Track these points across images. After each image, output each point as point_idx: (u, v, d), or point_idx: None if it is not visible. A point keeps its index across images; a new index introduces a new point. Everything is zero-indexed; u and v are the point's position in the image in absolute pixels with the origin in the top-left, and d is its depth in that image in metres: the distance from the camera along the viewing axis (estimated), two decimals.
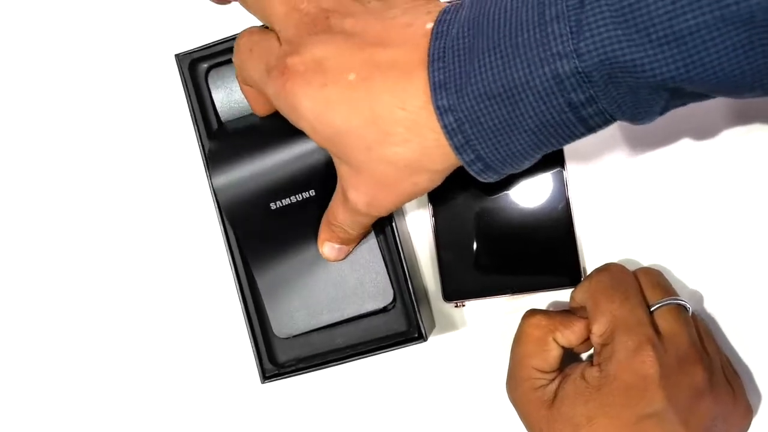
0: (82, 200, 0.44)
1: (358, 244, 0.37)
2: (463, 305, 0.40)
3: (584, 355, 0.38)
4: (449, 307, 0.40)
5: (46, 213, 0.44)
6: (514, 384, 0.36)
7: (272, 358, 0.39)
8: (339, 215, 0.34)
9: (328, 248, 0.37)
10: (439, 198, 0.39)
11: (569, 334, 0.35)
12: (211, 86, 0.39)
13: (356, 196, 0.32)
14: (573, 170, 0.39)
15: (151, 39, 0.43)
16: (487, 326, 0.40)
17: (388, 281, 0.37)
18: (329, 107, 0.29)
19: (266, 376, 0.39)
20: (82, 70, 0.44)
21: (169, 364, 0.44)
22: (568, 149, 0.39)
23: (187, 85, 0.39)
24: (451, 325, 0.41)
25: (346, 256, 0.37)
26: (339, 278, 0.38)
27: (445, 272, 0.39)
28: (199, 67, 0.39)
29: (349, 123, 0.29)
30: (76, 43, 0.44)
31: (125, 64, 0.44)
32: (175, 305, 0.44)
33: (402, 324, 0.38)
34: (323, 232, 0.36)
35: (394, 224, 0.38)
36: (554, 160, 0.38)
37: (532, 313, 0.36)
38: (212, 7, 0.38)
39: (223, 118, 0.39)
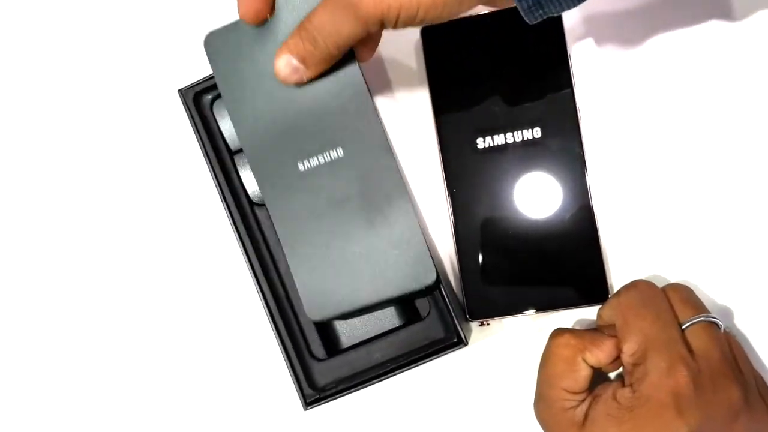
0: (110, 238, 0.43)
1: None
2: (488, 324, 0.39)
3: (612, 374, 0.37)
4: (473, 326, 0.40)
5: (81, 249, 0.43)
6: (544, 405, 0.35)
7: (311, 383, 0.38)
8: (318, 14, 0.30)
9: (284, 62, 0.31)
10: (460, 216, 0.39)
11: (599, 354, 0.34)
12: (217, 116, 0.39)
13: None
14: (597, 185, 0.38)
15: (150, 77, 0.43)
16: (512, 345, 0.40)
17: (430, 259, 0.33)
18: None
19: (308, 402, 0.38)
20: (89, 111, 0.43)
21: (204, 398, 0.42)
22: (592, 163, 0.38)
23: (193, 118, 0.38)
24: (475, 344, 0.40)
25: (301, 82, 0.32)
26: (377, 255, 0.34)
27: (469, 290, 0.38)
28: (203, 98, 0.39)
29: None
30: (81, 83, 0.44)
31: (131, 102, 0.43)
32: (206, 337, 0.42)
33: (439, 331, 0.38)
34: (289, 39, 0.31)
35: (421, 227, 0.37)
36: (578, 174, 0.38)
37: (560, 332, 0.35)
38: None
39: (231, 147, 0.39)
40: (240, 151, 0.39)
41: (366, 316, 0.38)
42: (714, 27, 0.38)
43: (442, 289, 0.37)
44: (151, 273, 0.43)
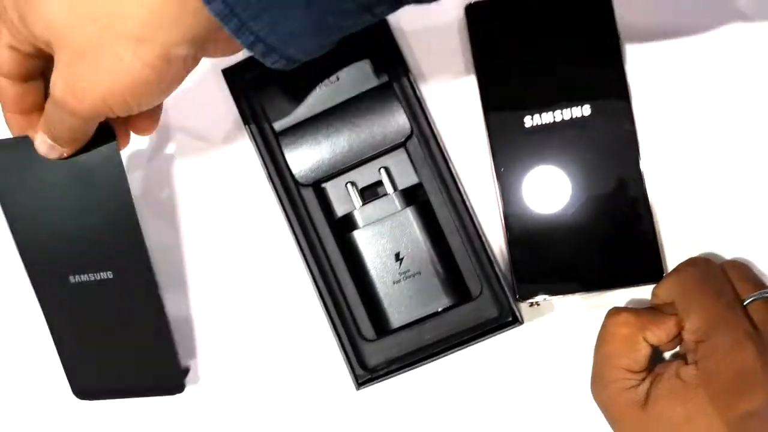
0: (158, 220, 0.43)
1: None
2: (538, 304, 0.38)
3: (666, 354, 0.37)
4: (523, 306, 0.39)
5: None
6: (602, 385, 0.34)
7: (362, 363, 0.38)
8: (48, 104, 0.30)
9: (39, 140, 0.33)
10: (508, 196, 0.38)
11: (659, 332, 0.33)
12: (261, 96, 0.39)
13: (54, 77, 0.28)
14: (649, 161, 0.37)
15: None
16: (564, 326, 0.39)
17: (177, 367, 0.38)
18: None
19: (360, 383, 0.37)
20: None
21: (255, 381, 0.42)
22: (644, 139, 0.37)
23: (237, 98, 0.38)
24: (526, 325, 0.39)
25: (63, 158, 0.33)
26: (126, 366, 0.38)
27: (518, 270, 0.38)
28: (247, 78, 0.39)
29: None
30: None
31: None
32: (256, 319, 0.42)
33: (493, 310, 0.37)
34: (42, 118, 0.32)
35: (469, 206, 0.37)
36: (629, 151, 0.37)
37: (618, 311, 0.35)
38: None
39: (276, 128, 0.39)
40: (285, 131, 0.39)
41: (417, 299, 0.37)
42: None
43: (496, 267, 0.36)
44: (200, 255, 0.42)
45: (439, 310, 0.37)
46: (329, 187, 0.39)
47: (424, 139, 0.38)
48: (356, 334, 0.38)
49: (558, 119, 0.38)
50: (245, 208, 0.42)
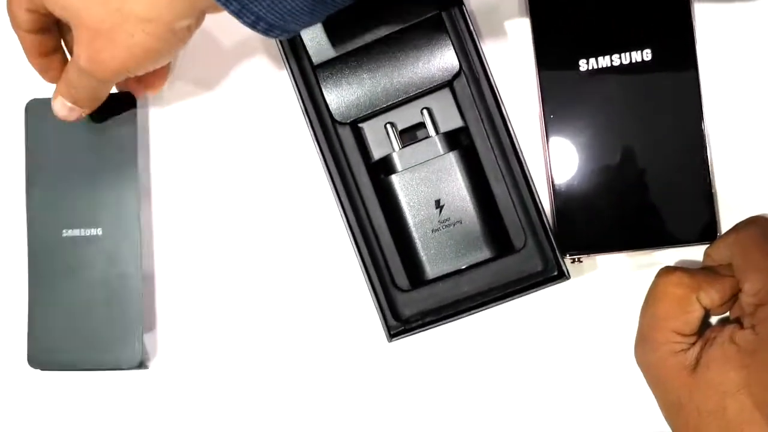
0: (190, 155, 0.41)
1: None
2: (581, 261, 0.37)
3: (713, 319, 0.35)
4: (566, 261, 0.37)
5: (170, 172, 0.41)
6: (649, 347, 0.32)
7: (395, 314, 0.36)
8: (70, 70, 0.34)
9: (59, 104, 0.36)
10: (556, 144, 0.36)
11: (714, 294, 0.32)
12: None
13: (78, 50, 0.32)
14: (712, 115, 0.35)
15: None
16: (608, 284, 0.37)
17: (138, 343, 0.38)
18: None
19: (392, 334, 0.36)
20: None
21: (288, 328, 0.40)
22: (708, 90, 0.35)
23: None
24: (568, 282, 0.37)
25: (81, 118, 0.37)
26: (102, 327, 0.39)
27: (562, 222, 0.36)
28: None
29: None
30: None
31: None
32: (289, 263, 0.40)
33: (537, 263, 0.35)
34: (58, 84, 0.36)
35: (519, 150, 0.35)
36: (691, 102, 0.35)
37: (671, 270, 0.33)
38: None
39: (314, 60, 0.36)
40: (324, 65, 0.36)
41: (456, 249, 0.35)
42: None
43: (543, 218, 0.34)
44: (233, 195, 0.40)
45: (480, 261, 0.35)
46: (367, 127, 0.37)
47: (473, 78, 0.35)
48: (390, 284, 0.36)
49: (616, 63, 0.35)
50: (279, 146, 0.40)
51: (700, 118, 0.35)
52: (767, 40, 0.35)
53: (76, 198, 0.40)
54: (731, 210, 0.35)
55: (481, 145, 0.36)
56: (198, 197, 0.41)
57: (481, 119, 0.36)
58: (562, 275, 0.34)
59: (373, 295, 0.36)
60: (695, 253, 0.35)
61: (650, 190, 0.35)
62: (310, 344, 0.40)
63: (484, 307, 0.35)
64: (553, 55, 0.36)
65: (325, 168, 0.36)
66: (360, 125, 0.37)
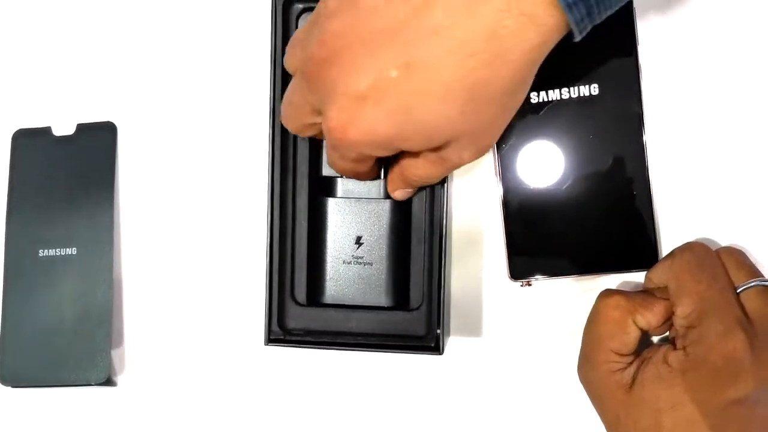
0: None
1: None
2: (530, 285, 0.38)
3: (654, 339, 0.36)
4: (515, 285, 0.39)
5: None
6: (589, 367, 0.34)
7: (282, 323, 0.38)
8: (423, 170, 0.32)
9: (401, 194, 0.36)
10: (507, 172, 0.38)
11: (650, 316, 0.33)
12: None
13: (462, 155, 0.30)
14: (653, 145, 0.37)
15: None
16: (555, 307, 0.39)
17: (107, 361, 0.40)
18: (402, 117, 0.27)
19: (270, 339, 0.37)
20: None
21: (172, 313, 0.42)
22: (649, 122, 0.37)
23: (275, 24, 0.37)
24: (513, 307, 0.39)
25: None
26: (71, 344, 0.40)
27: (513, 249, 0.37)
28: (293, 7, 0.37)
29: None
30: None
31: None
32: (198, 256, 0.42)
33: (421, 328, 0.37)
34: (397, 183, 0.35)
35: (445, 224, 0.36)
36: (634, 135, 0.37)
37: (610, 293, 0.34)
38: None
39: None
40: None
41: (358, 286, 0.37)
42: None
43: (441, 292, 0.36)
44: (196, 206, 0.42)
45: (374, 306, 0.37)
46: (325, 144, 0.38)
47: None
48: (288, 293, 0.38)
49: (565, 96, 0.37)
50: (239, 148, 0.42)
51: (643, 151, 0.37)
52: (705, 79, 0.37)
53: (53, 219, 0.42)
54: (671, 234, 0.37)
55: (417, 203, 0.38)
56: (165, 214, 0.42)
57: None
58: (436, 349, 0.36)
59: (267, 297, 0.37)
60: (639, 276, 0.37)
61: (596, 218, 0.37)
62: (190, 327, 0.42)
63: (358, 349, 0.37)
64: None
65: (270, 167, 0.37)
66: (321, 140, 0.38)
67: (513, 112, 0.30)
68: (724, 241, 0.37)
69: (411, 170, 0.33)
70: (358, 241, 0.37)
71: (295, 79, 0.31)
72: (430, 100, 0.27)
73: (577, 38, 0.27)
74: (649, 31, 0.37)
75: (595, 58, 0.37)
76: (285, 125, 0.34)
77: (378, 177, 0.37)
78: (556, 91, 0.37)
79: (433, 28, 0.26)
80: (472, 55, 0.26)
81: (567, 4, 0.25)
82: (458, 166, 0.31)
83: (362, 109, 0.27)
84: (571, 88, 0.37)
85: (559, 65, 0.36)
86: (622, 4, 0.27)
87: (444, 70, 0.26)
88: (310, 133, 0.33)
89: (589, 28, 0.27)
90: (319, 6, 0.30)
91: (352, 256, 0.37)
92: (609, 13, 0.27)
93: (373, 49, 0.27)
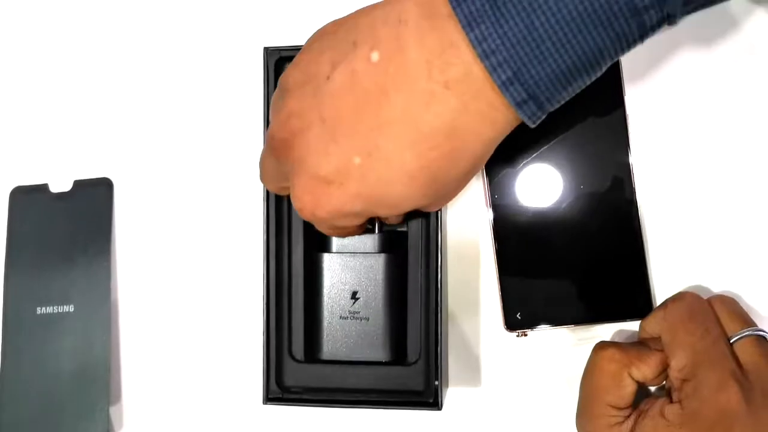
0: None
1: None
2: (526, 335, 0.38)
3: (652, 388, 0.37)
4: (512, 336, 0.39)
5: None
6: (587, 419, 0.34)
7: (279, 381, 0.38)
8: (394, 219, 0.34)
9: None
10: (500, 225, 0.38)
11: (645, 369, 0.33)
12: None
13: (428, 209, 0.31)
14: (643, 196, 0.37)
15: (244, 29, 0.42)
16: (552, 357, 0.39)
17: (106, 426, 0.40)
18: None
19: (269, 398, 0.37)
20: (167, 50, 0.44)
21: (172, 365, 0.42)
22: (638, 172, 0.37)
23: (268, 80, 0.38)
24: (510, 357, 0.39)
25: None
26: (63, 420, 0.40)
27: (507, 300, 0.38)
28: (285, 66, 0.38)
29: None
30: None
31: (214, 51, 0.43)
32: (196, 305, 0.42)
33: (420, 383, 0.37)
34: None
35: (440, 277, 0.36)
36: (624, 184, 0.37)
37: (605, 345, 0.35)
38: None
39: None
40: None
41: (356, 341, 0.38)
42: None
43: (439, 346, 0.36)
44: (193, 262, 0.43)
45: (372, 360, 0.37)
46: None
47: None
48: (286, 350, 0.38)
49: (554, 150, 0.38)
50: (235, 205, 0.42)
51: (634, 199, 0.37)
52: (692, 130, 0.38)
53: (51, 276, 0.42)
54: (665, 281, 0.38)
55: (412, 257, 0.38)
56: (162, 270, 0.43)
57: (421, 233, 0.38)
58: (435, 404, 0.36)
59: (264, 354, 0.37)
60: (634, 324, 0.37)
61: (589, 269, 0.37)
62: (191, 386, 0.42)
63: (357, 406, 0.37)
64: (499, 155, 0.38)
65: (265, 223, 0.37)
66: None
67: (471, 178, 0.31)
68: (716, 288, 0.37)
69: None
70: (354, 296, 0.38)
71: (265, 146, 0.32)
72: (393, 185, 0.28)
73: (532, 126, 0.28)
74: (636, 80, 0.38)
75: (582, 111, 0.37)
76: (264, 185, 0.35)
77: (371, 230, 0.38)
78: (545, 145, 0.38)
79: (394, 118, 0.27)
80: (433, 149, 0.27)
81: (517, 103, 0.26)
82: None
83: (327, 191, 0.28)
84: (561, 142, 0.38)
85: (546, 119, 0.38)
86: (574, 94, 0.28)
87: (407, 160, 0.27)
88: (287, 193, 0.34)
89: (542, 118, 0.28)
90: (282, 76, 0.31)
91: (349, 311, 0.38)
92: (562, 103, 0.28)
93: (334, 134, 0.28)
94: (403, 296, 0.38)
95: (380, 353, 0.37)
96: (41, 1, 0.45)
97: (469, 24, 0.25)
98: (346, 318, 0.38)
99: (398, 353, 0.38)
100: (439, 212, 0.37)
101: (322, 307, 0.38)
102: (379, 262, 0.38)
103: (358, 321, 0.38)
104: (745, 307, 0.35)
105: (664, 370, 0.34)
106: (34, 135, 0.45)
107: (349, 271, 0.38)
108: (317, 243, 0.39)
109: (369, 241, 0.38)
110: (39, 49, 0.45)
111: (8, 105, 0.45)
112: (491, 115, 0.27)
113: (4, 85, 0.45)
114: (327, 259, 0.38)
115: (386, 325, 0.37)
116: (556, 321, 0.37)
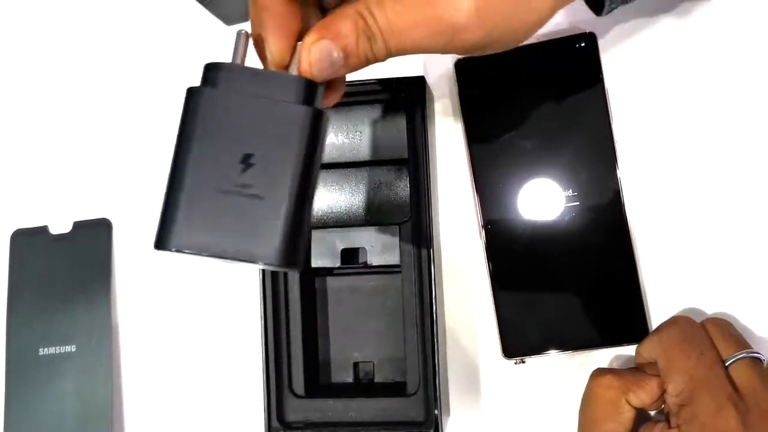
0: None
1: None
2: (524, 362, 0.39)
3: (651, 412, 0.37)
4: (509, 363, 0.39)
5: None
6: None
7: (281, 416, 0.38)
8: (402, 18, 0.25)
9: (324, 51, 0.25)
10: (495, 252, 0.38)
11: (642, 395, 0.34)
12: None
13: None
14: (635, 220, 0.38)
15: None
16: (550, 384, 0.39)
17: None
18: None
19: None
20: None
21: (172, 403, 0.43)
22: (628, 196, 0.38)
23: None
24: (509, 384, 0.40)
25: (332, 77, 0.26)
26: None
27: (504, 328, 0.38)
28: None
29: None
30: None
31: None
32: (195, 344, 0.43)
33: (420, 413, 0.37)
34: (339, 24, 0.26)
35: (435, 308, 0.36)
36: (615, 208, 0.38)
37: (601, 373, 0.35)
38: None
39: None
40: None
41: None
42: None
43: (437, 376, 0.36)
44: (194, 305, 0.43)
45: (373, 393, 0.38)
46: (314, 235, 0.39)
47: (418, 227, 0.37)
48: (286, 386, 0.38)
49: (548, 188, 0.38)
50: None
51: (626, 225, 0.38)
52: (683, 151, 0.39)
53: (52, 317, 0.43)
54: (660, 305, 0.38)
55: (407, 289, 0.38)
56: (162, 310, 0.43)
57: (414, 266, 0.37)
58: None
59: (265, 392, 0.37)
60: (632, 349, 0.38)
61: (584, 295, 0.38)
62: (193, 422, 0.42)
63: None
64: (487, 168, 0.39)
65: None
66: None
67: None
68: (711, 310, 0.38)
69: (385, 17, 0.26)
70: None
71: None
72: None
73: None
74: (622, 100, 0.39)
75: (572, 134, 0.38)
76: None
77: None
78: (536, 171, 0.38)
79: None
80: None
81: None
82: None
83: None
84: (551, 168, 0.38)
85: (539, 146, 0.38)
86: None
87: None
88: None
89: None
90: None
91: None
92: None
93: None
94: (399, 328, 0.38)
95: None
96: (39, 43, 0.46)
97: None
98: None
99: (397, 385, 0.39)
100: (432, 243, 0.37)
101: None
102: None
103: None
104: (739, 329, 0.35)
105: (661, 395, 0.34)
106: (33, 178, 0.45)
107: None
108: (314, 277, 0.39)
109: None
110: (37, 93, 0.46)
111: (7, 149, 0.46)
112: None
113: (3, 128, 0.46)
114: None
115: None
116: (553, 348, 0.38)
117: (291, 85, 0.25)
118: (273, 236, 0.24)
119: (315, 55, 0.25)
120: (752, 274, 0.38)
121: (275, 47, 0.26)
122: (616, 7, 0.29)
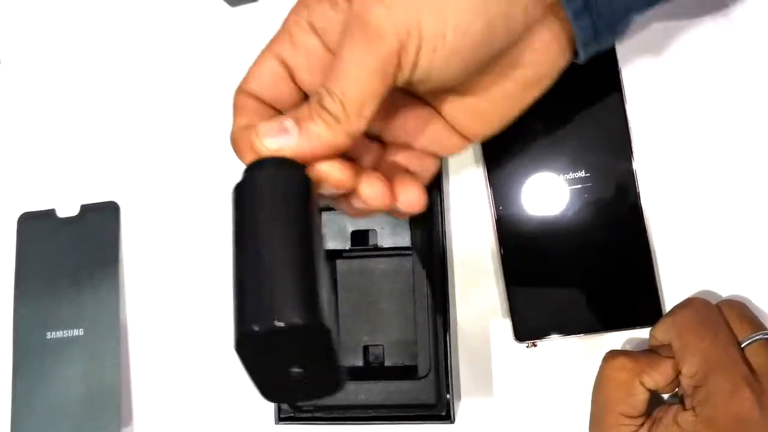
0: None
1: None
2: (535, 345, 0.38)
3: (665, 395, 0.36)
4: (521, 347, 0.39)
5: None
6: (600, 430, 0.34)
7: None
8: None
9: (275, 128, 0.26)
10: (506, 235, 0.38)
11: (657, 377, 0.33)
12: None
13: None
14: (649, 202, 0.38)
15: None
16: (562, 367, 0.39)
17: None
18: None
19: (281, 418, 0.37)
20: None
21: (179, 394, 0.42)
22: (643, 178, 0.37)
23: None
24: (521, 367, 0.39)
25: (281, 151, 0.26)
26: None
27: (516, 312, 0.38)
28: None
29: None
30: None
31: (222, 75, 0.43)
32: (202, 329, 0.42)
33: (431, 396, 0.36)
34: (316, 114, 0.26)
35: (448, 286, 0.36)
36: (629, 191, 0.37)
37: (615, 355, 0.34)
38: None
39: None
40: None
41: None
42: None
43: (448, 359, 0.36)
44: (205, 288, 0.43)
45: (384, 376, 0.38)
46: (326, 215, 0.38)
47: (429, 209, 0.34)
48: None
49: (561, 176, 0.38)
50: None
51: (640, 207, 0.37)
52: (696, 139, 0.38)
53: (60, 301, 0.43)
54: (674, 287, 0.37)
55: (417, 271, 0.37)
56: (170, 292, 0.43)
57: (425, 246, 0.37)
58: (447, 417, 0.36)
59: None
60: (644, 332, 0.37)
61: (597, 277, 0.37)
62: (202, 413, 0.42)
63: (369, 422, 0.37)
64: (499, 147, 0.38)
65: None
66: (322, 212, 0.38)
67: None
68: (725, 292, 0.37)
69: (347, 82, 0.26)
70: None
71: None
72: None
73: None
74: (637, 87, 0.38)
75: (585, 120, 0.38)
76: None
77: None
78: (549, 154, 0.38)
79: None
80: None
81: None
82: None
83: None
84: (564, 151, 0.38)
85: (551, 132, 0.38)
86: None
87: None
88: None
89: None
90: None
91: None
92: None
93: None
94: (410, 310, 0.38)
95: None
96: (46, 32, 0.45)
97: None
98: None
99: (408, 367, 0.38)
100: (443, 225, 0.37)
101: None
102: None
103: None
104: (754, 311, 0.35)
105: (675, 377, 0.33)
106: (40, 160, 0.45)
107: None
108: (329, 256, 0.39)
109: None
110: (45, 77, 0.45)
111: (14, 132, 0.45)
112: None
113: (9, 111, 0.46)
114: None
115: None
116: (565, 331, 0.37)
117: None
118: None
119: (265, 131, 0.27)
120: (766, 255, 0.37)
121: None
122: (593, 52, 0.30)
